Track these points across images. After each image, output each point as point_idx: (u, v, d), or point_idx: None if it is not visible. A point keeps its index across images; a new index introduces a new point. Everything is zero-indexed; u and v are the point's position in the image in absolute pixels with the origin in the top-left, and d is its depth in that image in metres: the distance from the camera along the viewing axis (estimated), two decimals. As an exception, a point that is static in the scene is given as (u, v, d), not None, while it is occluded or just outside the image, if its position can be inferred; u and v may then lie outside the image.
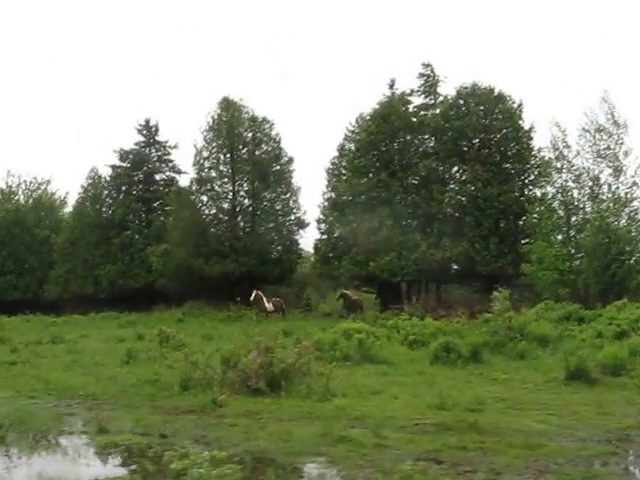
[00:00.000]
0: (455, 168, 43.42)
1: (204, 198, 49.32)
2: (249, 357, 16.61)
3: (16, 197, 65.20)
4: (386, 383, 15.73)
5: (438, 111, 45.20)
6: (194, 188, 49.31)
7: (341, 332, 24.96)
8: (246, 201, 50.42)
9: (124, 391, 15.27)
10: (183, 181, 57.05)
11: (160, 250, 48.61)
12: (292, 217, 49.71)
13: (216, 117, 50.00)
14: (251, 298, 40.41)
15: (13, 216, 61.21)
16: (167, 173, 59.17)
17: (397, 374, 17.32)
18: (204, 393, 14.25)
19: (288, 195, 49.55)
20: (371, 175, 42.79)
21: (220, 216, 49.37)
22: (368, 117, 45.36)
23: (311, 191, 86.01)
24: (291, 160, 50.31)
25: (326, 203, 45.84)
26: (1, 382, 16.96)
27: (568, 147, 39.62)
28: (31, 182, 65.55)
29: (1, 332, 28.25)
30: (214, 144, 49.63)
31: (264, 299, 40.43)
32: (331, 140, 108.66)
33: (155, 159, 58.68)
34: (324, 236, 45.72)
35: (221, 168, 49.56)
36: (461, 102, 43.59)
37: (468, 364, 18.40)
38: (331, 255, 43.96)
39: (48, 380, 16.79)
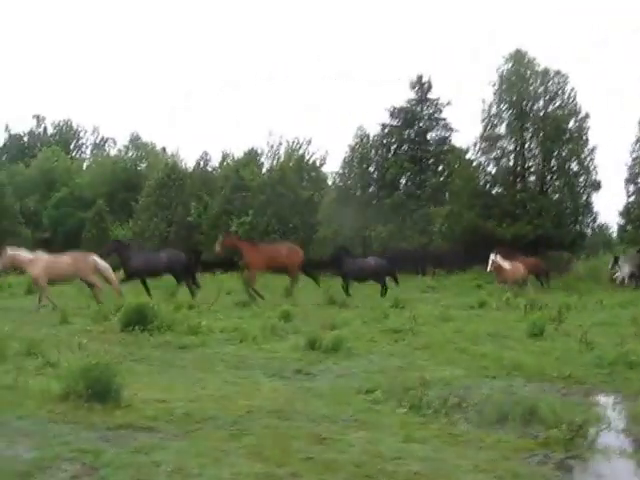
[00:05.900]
0: None
1: (491, 156, 46.89)
2: None
3: (277, 157, 65.71)
4: None
5: None
6: (482, 145, 46.92)
7: None
8: (534, 160, 47.45)
9: (605, 374, 13.26)
10: (455, 140, 55.25)
11: (445, 211, 46.80)
12: (584, 177, 46.28)
13: (506, 71, 47.31)
14: (490, 266, 29.95)
15: (278, 175, 61.46)
16: (439, 131, 57.52)
17: None
18: None
19: (582, 155, 46.10)
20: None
21: (504, 175, 46.81)
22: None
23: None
24: (587, 116, 46.67)
25: (634, 162, 42.01)
26: (424, 356, 15.35)
27: None
28: (293, 141, 65.93)
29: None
30: (503, 99, 47.02)
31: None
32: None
33: (426, 117, 57.05)
34: (631, 198, 42.01)
35: (510, 124, 46.85)
36: None
37: None
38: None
39: (484, 354, 15.08)
